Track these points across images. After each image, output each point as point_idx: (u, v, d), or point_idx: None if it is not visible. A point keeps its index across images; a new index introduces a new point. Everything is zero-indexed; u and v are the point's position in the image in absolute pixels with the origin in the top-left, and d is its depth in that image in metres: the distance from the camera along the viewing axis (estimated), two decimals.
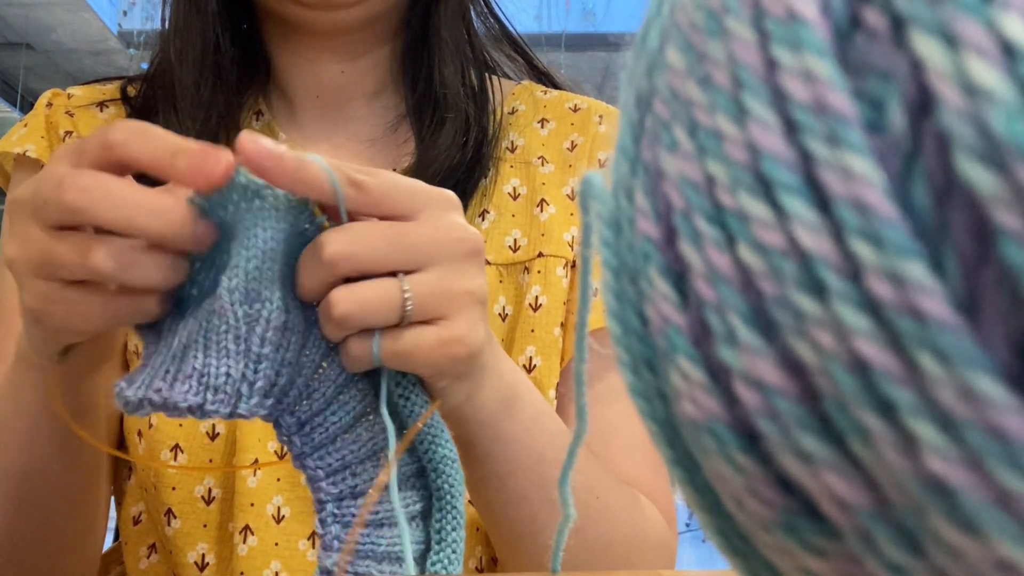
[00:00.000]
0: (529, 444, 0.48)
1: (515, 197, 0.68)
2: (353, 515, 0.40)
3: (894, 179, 0.13)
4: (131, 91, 0.71)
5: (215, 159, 0.36)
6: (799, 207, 0.14)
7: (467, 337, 0.40)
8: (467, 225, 0.41)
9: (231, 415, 0.38)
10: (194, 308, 0.39)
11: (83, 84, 0.73)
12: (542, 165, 0.70)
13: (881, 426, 0.14)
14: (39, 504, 0.52)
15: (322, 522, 0.40)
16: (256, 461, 0.60)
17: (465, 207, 0.66)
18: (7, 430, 0.49)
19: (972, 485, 0.13)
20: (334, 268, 0.38)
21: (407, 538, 0.38)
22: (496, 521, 0.52)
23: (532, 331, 0.64)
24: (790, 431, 0.15)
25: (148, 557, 0.64)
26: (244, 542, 0.59)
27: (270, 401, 0.39)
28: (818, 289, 0.14)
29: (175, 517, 0.61)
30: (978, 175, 0.12)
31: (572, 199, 0.69)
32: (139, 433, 0.61)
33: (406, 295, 0.38)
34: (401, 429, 0.41)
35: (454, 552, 0.41)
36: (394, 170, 0.67)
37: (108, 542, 0.73)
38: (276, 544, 0.59)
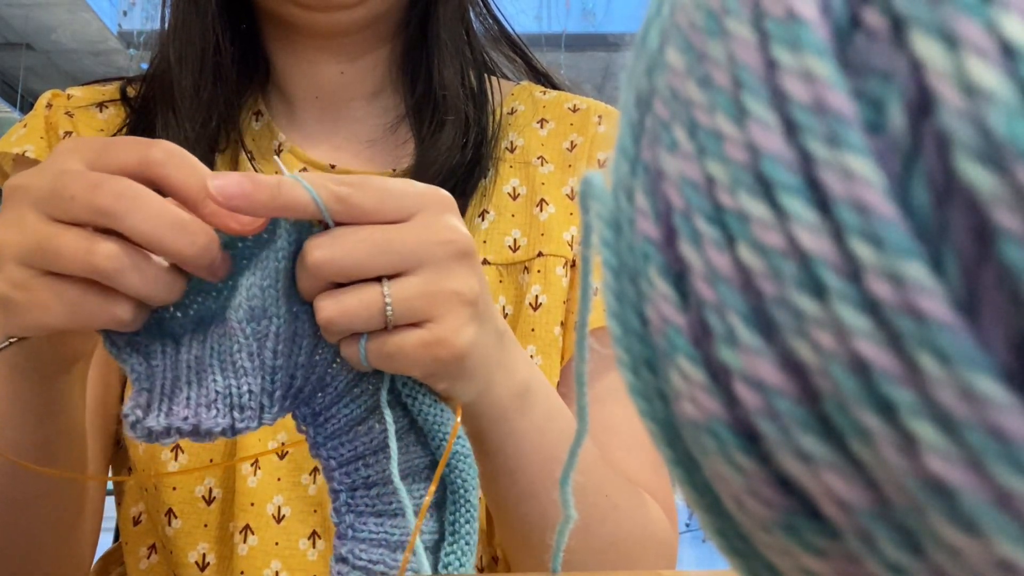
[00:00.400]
0: (541, 441, 0.48)
1: (515, 197, 0.68)
2: (366, 505, 0.41)
3: (894, 179, 0.13)
4: (131, 92, 0.71)
5: (245, 218, 0.38)
6: (799, 207, 0.14)
7: (452, 339, 0.40)
8: (458, 226, 0.41)
9: (257, 427, 0.39)
10: (196, 333, 0.40)
11: (83, 85, 0.73)
12: (541, 165, 0.70)
13: (881, 426, 0.14)
14: (17, 504, 0.51)
15: (336, 511, 0.41)
16: (256, 462, 0.60)
17: (465, 207, 0.66)
18: None
19: (972, 485, 0.13)
20: (318, 273, 0.38)
21: (414, 525, 0.39)
22: (506, 516, 0.52)
23: (532, 330, 0.64)
24: (790, 431, 0.15)
25: (148, 557, 0.64)
26: (244, 542, 0.59)
27: (288, 402, 0.40)
28: (818, 289, 0.14)
29: (175, 517, 0.61)
30: (978, 175, 0.12)
31: (572, 199, 0.69)
32: None
33: (387, 300, 0.38)
34: (411, 424, 0.42)
35: (468, 544, 0.41)
36: (393, 171, 0.67)
37: (108, 542, 0.73)
38: (276, 544, 0.59)
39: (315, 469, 0.61)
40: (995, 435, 0.13)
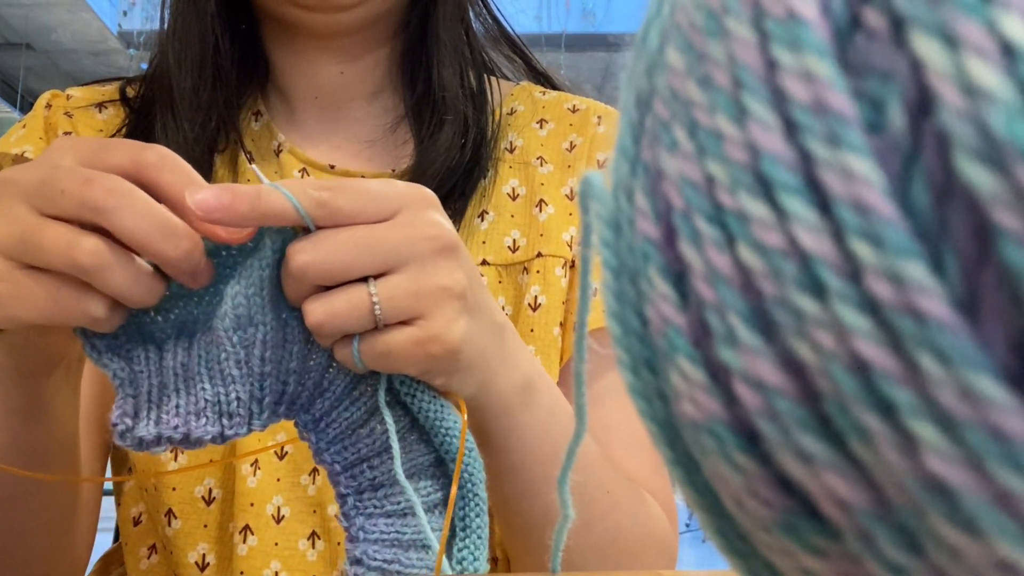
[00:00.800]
0: (545, 436, 0.48)
1: (514, 198, 0.68)
2: (375, 507, 0.41)
3: (894, 179, 0.13)
4: (130, 92, 0.71)
5: (235, 231, 0.38)
6: (799, 207, 0.14)
7: (443, 334, 0.40)
8: (441, 221, 0.41)
9: (247, 434, 0.39)
10: (180, 339, 0.40)
11: (82, 85, 0.73)
12: (541, 166, 0.70)
13: (881, 426, 0.14)
14: (5, 503, 0.51)
15: (346, 516, 0.41)
16: (255, 463, 0.60)
17: (464, 208, 0.66)
18: None
19: (972, 485, 0.13)
20: (302, 278, 0.38)
21: (425, 520, 0.40)
22: (509, 513, 0.52)
23: (531, 331, 0.64)
24: (790, 431, 0.15)
25: (148, 558, 0.64)
26: (244, 542, 0.59)
27: (282, 408, 0.40)
28: (818, 289, 0.14)
29: (175, 517, 0.61)
30: (978, 175, 0.12)
31: (571, 199, 0.69)
32: None
33: (374, 299, 0.38)
34: (413, 423, 0.42)
35: (480, 538, 0.42)
36: (392, 171, 0.67)
37: (108, 543, 0.73)
38: (276, 544, 0.59)
39: (315, 470, 0.61)
40: (995, 435, 0.13)
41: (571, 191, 0.69)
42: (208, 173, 0.65)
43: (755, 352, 0.15)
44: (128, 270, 0.37)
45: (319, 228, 0.39)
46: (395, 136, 0.69)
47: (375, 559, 0.40)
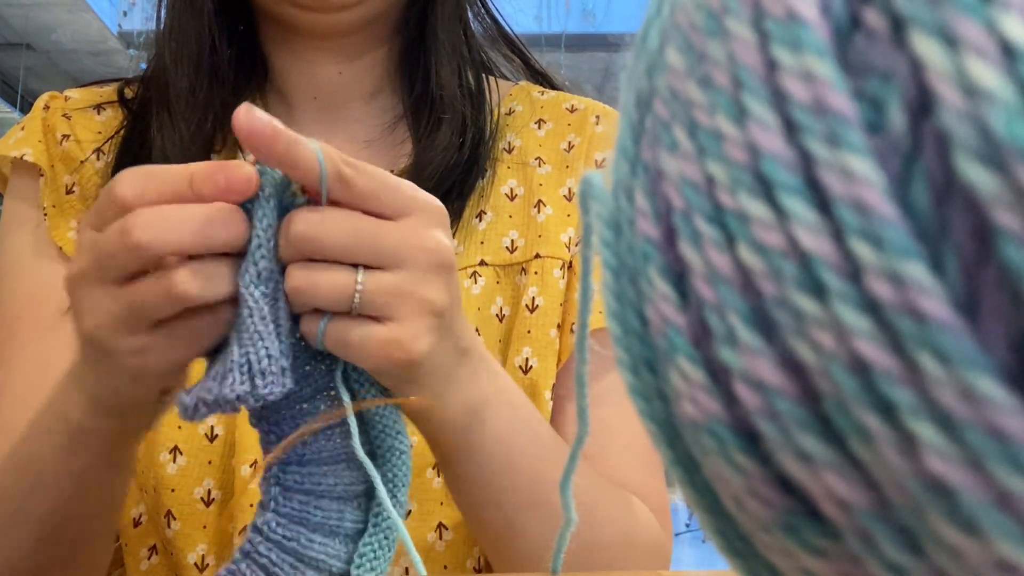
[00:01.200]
0: (499, 453, 0.48)
1: (512, 198, 0.68)
2: (295, 482, 0.41)
3: (894, 179, 0.13)
4: (128, 93, 0.71)
5: (239, 174, 0.38)
6: (799, 207, 0.14)
7: (410, 343, 0.40)
8: (444, 240, 0.42)
9: (283, 393, 0.39)
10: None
11: (81, 86, 0.73)
12: (539, 166, 0.70)
13: (881, 426, 0.14)
14: (60, 538, 0.51)
15: (264, 481, 0.41)
16: (255, 463, 0.60)
17: (462, 208, 0.66)
18: (41, 475, 0.48)
19: (972, 485, 0.13)
20: (299, 246, 0.39)
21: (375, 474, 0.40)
22: (473, 523, 0.53)
23: (529, 332, 0.64)
24: (790, 431, 0.15)
25: (149, 559, 0.64)
26: None
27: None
28: (818, 289, 0.14)
29: (175, 518, 0.61)
30: (978, 175, 0.12)
31: (569, 200, 0.69)
32: None
33: (358, 287, 0.39)
34: (358, 416, 0.42)
35: (386, 538, 0.42)
36: (391, 171, 0.67)
37: None
38: None
39: None
40: (995, 435, 0.13)
41: (569, 191, 0.69)
42: None
43: (755, 352, 0.15)
44: (221, 268, 0.38)
45: (331, 200, 0.39)
46: (393, 136, 0.69)
47: (276, 532, 0.40)
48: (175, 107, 0.64)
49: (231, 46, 0.67)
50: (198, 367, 0.41)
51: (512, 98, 0.74)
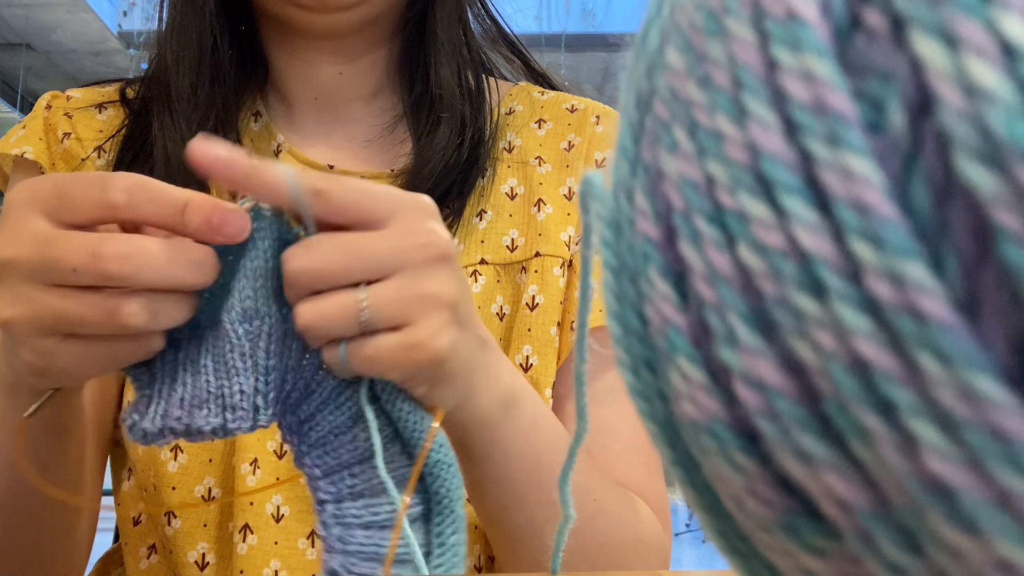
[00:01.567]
0: (527, 448, 0.48)
1: (512, 197, 0.68)
2: (354, 516, 0.40)
3: (894, 179, 0.13)
4: (130, 93, 0.71)
5: (234, 220, 0.37)
6: (799, 207, 0.14)
7: (429, 342, 0.40)
8: (437, 230, 0.41)
9: (252, 429, 0.39)
10: (191, 334, 0.39)
11: (83, 86, 0.73)
12: (539, 165, 0.70)
13: (881, 426, 0.14)
14: (22, 515, 0.51)
15: (324, 524, 0.40)
16: (255, 461, 0.60)
17: (462, 207, 0.66)
18: None
19: (972, 485, 0.13)
20: (297, 283, 0.38)
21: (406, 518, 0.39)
22: (493, 522, 0.52)
23: (529, 330, 0.64)
24: (790, 431, 0.15)
25: (148, 557, 0.64)
26: (244, 541, 0.59)
27: (279, 407, 0.40)
28: (818, 289, 0.14)
29: (175, 517, 0.61)
30: (978, 175, 0.12)
31: (569, 199, 0.69)
32: None
33: (362, 304, 0.38)
34: (395, 434, 0.41)
35: (455, 556, 0.41)
36: (391, 171, 0.67)
37: (108, 543, 0.73)
38: (275, 543, 0.59)
39: None
40: (995, 435, 0.13)
41: (569, 191, 0.69)
42: None
43: (755, 352, 0.15)
44: (174, 303, 0.37)
45: (317, 227, 0.39)
46: (393, 136, 0.69)
47: (352, 572, 0.39)
48: (176, 106, 0.64)
49: (232, 46, 0.67)
50: None
51: (512, 98, 0.74)
